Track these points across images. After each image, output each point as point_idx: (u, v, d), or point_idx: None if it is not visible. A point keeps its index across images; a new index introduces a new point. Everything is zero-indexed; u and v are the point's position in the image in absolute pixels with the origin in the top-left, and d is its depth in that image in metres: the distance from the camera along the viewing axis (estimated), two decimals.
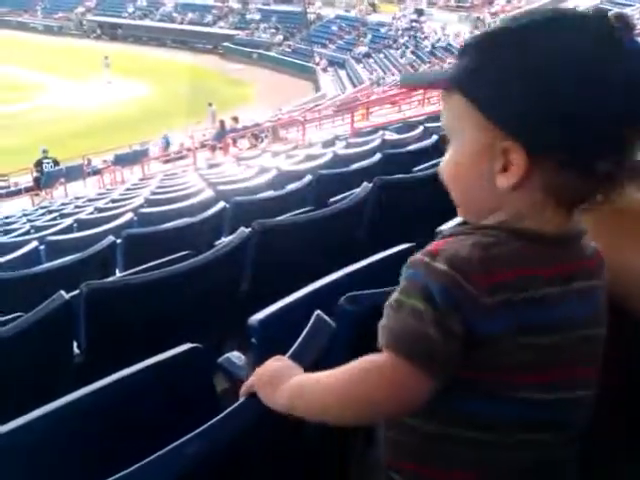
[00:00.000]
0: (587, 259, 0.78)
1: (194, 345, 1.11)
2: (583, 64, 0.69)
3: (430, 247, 0.74)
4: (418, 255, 0.74)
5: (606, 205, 0.89)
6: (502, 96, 0.72)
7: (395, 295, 0.74)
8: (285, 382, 0.81)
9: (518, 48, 0.72)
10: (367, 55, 29.89)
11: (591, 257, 0.78)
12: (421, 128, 6.42)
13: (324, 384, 0.77)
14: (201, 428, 0.79)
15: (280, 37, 34.99)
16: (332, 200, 2.88)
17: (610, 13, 0.73)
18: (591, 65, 0.69)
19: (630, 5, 20.40)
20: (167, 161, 16.22)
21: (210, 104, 21.70)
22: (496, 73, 0.72)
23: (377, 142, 6.10)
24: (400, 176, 2.91)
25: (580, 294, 0.75)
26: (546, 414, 0.76)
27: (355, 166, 4.34)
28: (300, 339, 0.92)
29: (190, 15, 39.69)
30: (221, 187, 5.33)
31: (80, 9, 43.61)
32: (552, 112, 0.69)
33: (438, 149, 3.99)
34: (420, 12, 32.21)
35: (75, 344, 2.09)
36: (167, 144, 18.45)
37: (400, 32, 30.86)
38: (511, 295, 0.71)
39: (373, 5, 35.24)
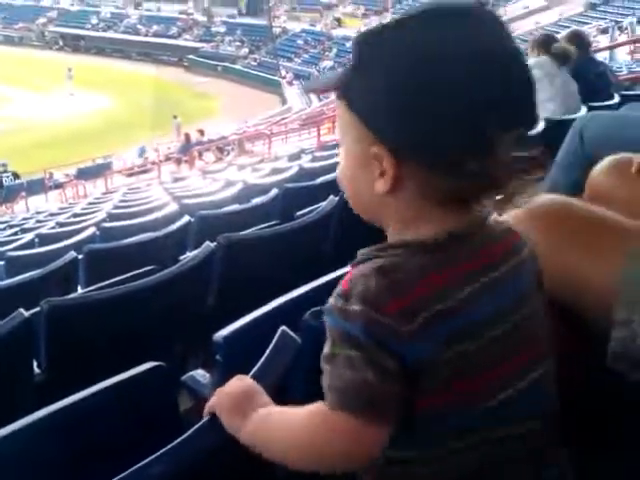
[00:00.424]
0: (496, 245, 0.76)
1: (157, 363, 1.09)
2: (439, 65, 0.68)
3: (340, 287, 0.72)
4: (332, 300, 0.72)
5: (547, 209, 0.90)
6: (368, 98, 0.71)
7: (326, 349, 0.72)
8: (248, 413, 0.79)
9: (380, 47, 0.71)
10: (332, 69, 30.12)
11: (501, 240, 0.77)
12: None
13: (285, 430, 0.75)
14: (165, 449, 0.77)
15: (245, 50, 35.06)
16: (298, 214, 2.88)
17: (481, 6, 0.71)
18: (448, 65, 0.67)
19: (587, 23, 21.06)
20: (131, 174, 16.04)
21: (175, 117, 21.59)
22: (364, 74, 0.71)
23: None
24: None
25: (495, 285, 0.73)
26: (510, 410, 0.75)
27: (321, 179, 4.34)
28: (264, 357, 0.91)
29: (155, 27, 39.49)
30: (186, 201, 5.29)
31: (42, 20, 43.02)
32: (409, 115, 0.68)
33: None
34: None
35: (35, 363, 2.04)
36: (142, 152, 18.27)
37: None
38: (427, 313, 0.69)
39: (338, 20, 35.58)
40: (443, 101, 0.67)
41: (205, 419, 0.84)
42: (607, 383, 0.87)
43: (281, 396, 0.84)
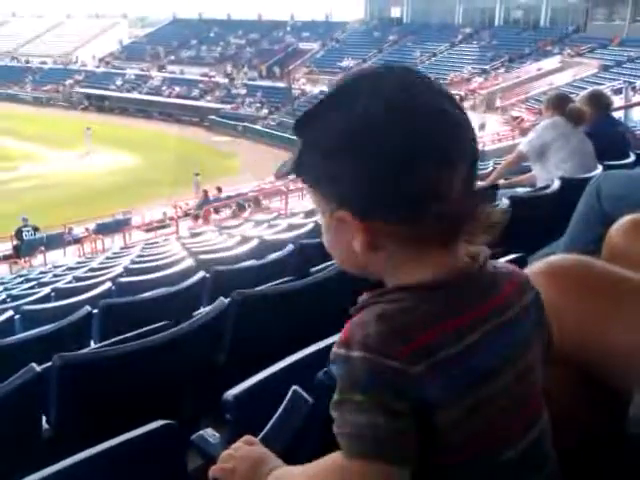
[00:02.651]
0: (498, 291, 0.76)
1: (167, 422, 1.07)
2: (365, 129, 0.71)
3: (342, 335, 0.73)
4: (334, 348, 0.73)
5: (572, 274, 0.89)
6: (315, 171, 0.76)
7: (334, 397, 0.72)
8: (264, 477, 0.78)
9: (313, 125, 0.75)
10: None
11: (502, 285, 0.77)
12: None
13: None
14: None
15: (265, 111, 35.91)
16: (313, 270, 2.87)
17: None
18: (374, 128, 0.70)
19: (600, 84, 21.37)
20: (149, 230, 16.24)
21: (197, 174, 21.97)
22: (308, 151, 0.76)
23: None
24: None
25: (499, 332, 0.74)
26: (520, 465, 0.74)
27: None
28: (275, 417, 0.89)
29: (177, 89, 40.74)
30: (202, 256, 5.32)
31: (69, 81, 44.63)
32: (350, 179, 0.72)
33: None
34: None
35: (45, 418, 2.02)
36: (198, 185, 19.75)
37: None
38: (434, 357, 0.70)
39: None
40: (377, 160, 0.70)
41: None
42: (628, 449, 0.83)
43: (292, 457, 0.82)
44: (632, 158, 3.78)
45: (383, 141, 0.70)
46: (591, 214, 1.83)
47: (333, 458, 0.73)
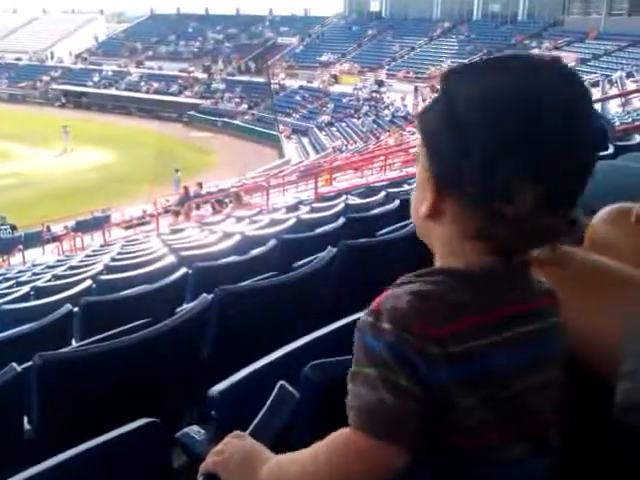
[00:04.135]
0: (532, 301, 0.77)
1: (151, 420, 1.06)
2: (490, 111, 0.70)
3: (373, 305, 0.73)
4: (363, 317, 0.73)
5: (560, 262, 0.89)
6: (428, 132, 0.76)
7: (351, 369, 0.73)
8: (258, 470, 0.78)
9: (445, 94, 0.75)
10: (330, 124, 30.66)
11: (538, 298, 0.78)
12: (383, 193, 6.53)
13: (299, 472, 0.74)
14: None
15: (245, 106, 35.74)
16: (296, 264, 2.87)
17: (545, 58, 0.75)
18: (499, 113, 0.69)
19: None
20: (129, 227, 16.09)
21: (176, 170, 21.81)
22: (434, 106, 0.77)
23: (340, 206, 6.17)
24: (365, 240, 2.92)
25: (525, 339, 0.75)
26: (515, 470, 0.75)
27: (319, 230, 4.35)
28: (262, 412, 0.88)
29: (155, 85, 40.37)
30: (184, 253, 5.28)
31: (45, 78, 44.03)
32: (449, 151, 0.72)
33: (400, 213, 4.04)
34: (380, 83, 33.39)
35: (26, 418, 1.99)
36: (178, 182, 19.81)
37: (361, 102, 31.84)
38: (457, 346, 0.70)
39: (335, 77, 36.43)
40: (490, 151, 0.69)
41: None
42: (620, 437, 0.84)
43: (280, 452, 0.81)
44: (611, 150, 3.82)
45: (481, 124, 0.70)
46: None
47: (340, 431, 0.73)
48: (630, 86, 19.03)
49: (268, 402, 0.90)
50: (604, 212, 1.31)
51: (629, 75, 22.16)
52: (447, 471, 0.74)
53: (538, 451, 0.76)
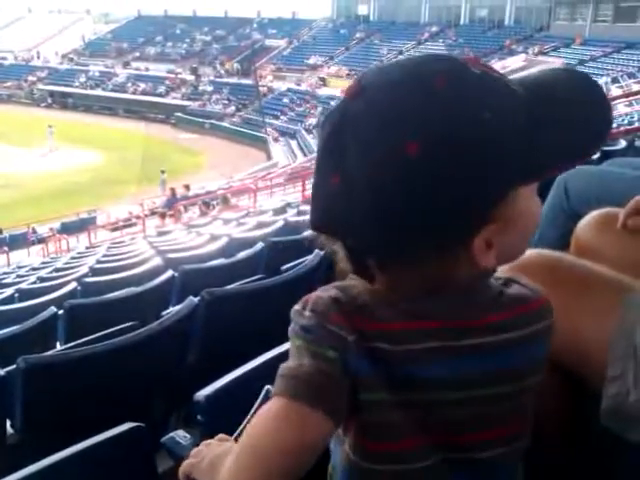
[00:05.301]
0: (489, 313, 0.72)
1: (136, 424, 1.05)
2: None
3: (305, 296, 0.75)
4: (295, 306, 0.75)
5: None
6: None
7: None
8: (220, 470, 0.76)
9: None
10: (317, 126, 30.70)
11: (500, 311, 0.73)
12: None
13: (233, 456, 0.72)
14: None
15: (232, 108, 35.68)
16: (284, 267, 2.86)
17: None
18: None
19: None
20: (115, 229, 15.99)
21: (163, 171, 21.73)
22: None
23: None
24: None
25: (474, 351, 0.71)
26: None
27: (307, 233, 4.34)
28: (248, 417, 0.87)
29: (142, 86, 40.21)
30: (170, 255, 5.26)
31: (31, 78, 43.71)
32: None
33: None
34: None
35: (9, 423, 1.97)
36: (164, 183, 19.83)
37: None
38: (374, 343, 0.70)
39: (323, 80, 36.49)
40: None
41: None
42: (607, 443, 0.84)
43: None
44: (597, 155, 3.85)
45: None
46: (559, 210, 1.85)
47: (263, 407, 0.72)
48: (615, 92, 19.24)
49: (254, 407, 0.90)
50: (590, 217, 1.32)
51: (614, 81, 22.41)
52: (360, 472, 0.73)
53: (459, 466, 0.74)
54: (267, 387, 0.93)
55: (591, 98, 0.73)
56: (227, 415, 0.95)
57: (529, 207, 0.72)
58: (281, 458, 0.67)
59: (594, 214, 1.33)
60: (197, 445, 0.86)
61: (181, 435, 1.14)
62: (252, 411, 0.90)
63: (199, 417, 1.11)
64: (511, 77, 0.73)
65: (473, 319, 0.72)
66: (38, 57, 48.30)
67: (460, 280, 0.71)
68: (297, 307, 0.74)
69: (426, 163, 0.64)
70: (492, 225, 0.67)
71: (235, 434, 0.86)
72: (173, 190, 16.95)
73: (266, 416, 0.69)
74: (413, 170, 0.64)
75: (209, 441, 0.85)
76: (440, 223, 0.66)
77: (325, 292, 0.74)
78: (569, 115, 0.70)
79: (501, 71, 0.74)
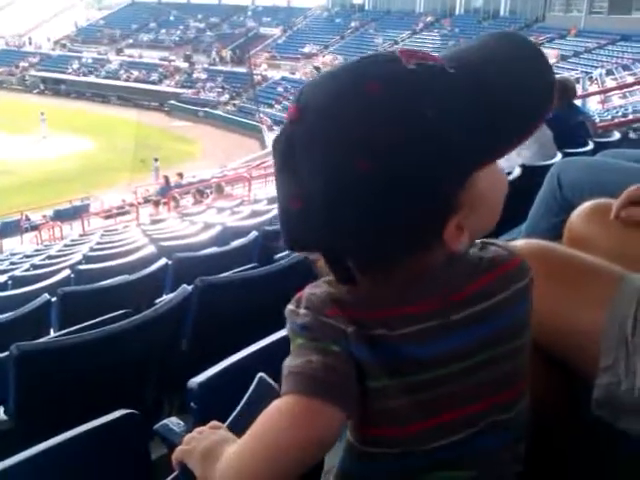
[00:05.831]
0: (463, 289, 0.73)
1: (129, 411, 1.06)
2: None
3: (298, 294, 0.75)
4: (288, 305, 0.75)
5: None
6: None
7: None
8: (216, 461, 0.76)
9: None
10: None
11: (478, 279, 0.74)
12: None
13: (239, 452, 0.73)
14: None
15: (226, 96, 35.50)
16: (278, 256, 2.86)
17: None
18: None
19: (557, 74, 21.74)
20: (108, 217, 15.94)
21: (156, 159, 21.62)
22: None
23: None
24: None
25: (454, 326, 0.72)
26: (464, 450, 0.74)
27: None
28: (241, 405, 0.88)
29: (135, 73, 39.93)
30: (164, 243, 5.24)
31: (23, 64, 43.32)
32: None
33: None
34: None
35: (2, 409, 1.97)
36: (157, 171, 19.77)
37: None
38: (369, 331, 0.70)
39: (317, 68, 36.33)
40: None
41: (176, 473, 0.80)
42: (598, 432, 0.85)
43: None
44: (591, 146, 3.86)
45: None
46: (552, 201, 1.86)
47: (272, 405, 0.72)
48: (610, 83, 19.25)
49: (247, 394, 0.90)
50: (583, 208, 1.33)
51: (609, 73, 22.42)
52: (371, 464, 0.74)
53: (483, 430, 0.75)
54: (260, 374, 0.94)
55: (526, 55, 0.72)
56: (220, 402, 0.95)
57: (492, 182, 0.72)
58: (298, 454, 0.68)
59: (587, 205, 1.33)
60: (190, 432, 0.87)
61: (174, 422, 1.15)
62: (245, 399, 0.90)
63: (192, 404, 1.12)
64: (444, 54, 0.73)
65: (457, 292, 0.73)
66: (30, 43, 47.83)
67: (438, 263, 0.71)
68: (291, 306, 0.74)
69: (379, 174, 0.64)
70: (459, 212, 0.68)
71: (227, 421, 0.86)
72: (167, 178, 16.88)
73: (279, 414, 0.69)
74: (367, 182, 0.65)
75: (202, 428, 0.85)
76: (405, 225, 0.67)
77: (316, 288, 0.74)
78: (509, 83, 0.69)
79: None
